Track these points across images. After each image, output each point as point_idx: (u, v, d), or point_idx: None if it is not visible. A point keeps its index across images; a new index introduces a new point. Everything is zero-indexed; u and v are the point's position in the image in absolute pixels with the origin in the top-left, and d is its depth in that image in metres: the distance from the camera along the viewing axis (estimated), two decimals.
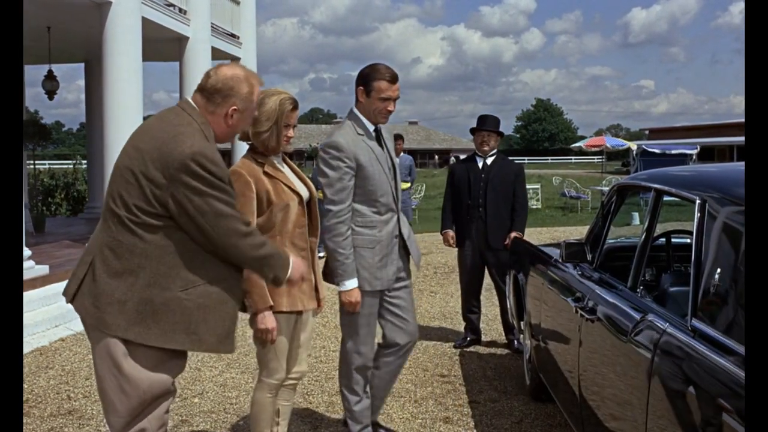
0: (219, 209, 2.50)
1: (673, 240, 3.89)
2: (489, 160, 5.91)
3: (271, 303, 3.13)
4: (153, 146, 2.50)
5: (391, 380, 4.02)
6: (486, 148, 5.89)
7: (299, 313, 3.30)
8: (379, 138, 3.74)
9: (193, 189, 2.46)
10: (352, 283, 3.58)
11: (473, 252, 5.96)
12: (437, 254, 11.68)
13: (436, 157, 27.08)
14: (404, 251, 3.86)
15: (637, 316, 2.72)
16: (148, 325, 2.48)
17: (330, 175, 3.56)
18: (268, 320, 3.13)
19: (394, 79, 3.62)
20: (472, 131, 5.95)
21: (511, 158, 6.34)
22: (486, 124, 5.88)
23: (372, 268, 3.64)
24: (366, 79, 3.63)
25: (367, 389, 3.88)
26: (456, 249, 6.18)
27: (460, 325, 6.61)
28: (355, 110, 3.72)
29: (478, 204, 5.87)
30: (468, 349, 6.03)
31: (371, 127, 3.70)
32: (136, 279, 2.49)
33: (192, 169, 2.45)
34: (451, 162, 22.02)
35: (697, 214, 2.52)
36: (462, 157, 9.57)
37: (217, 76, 2.63)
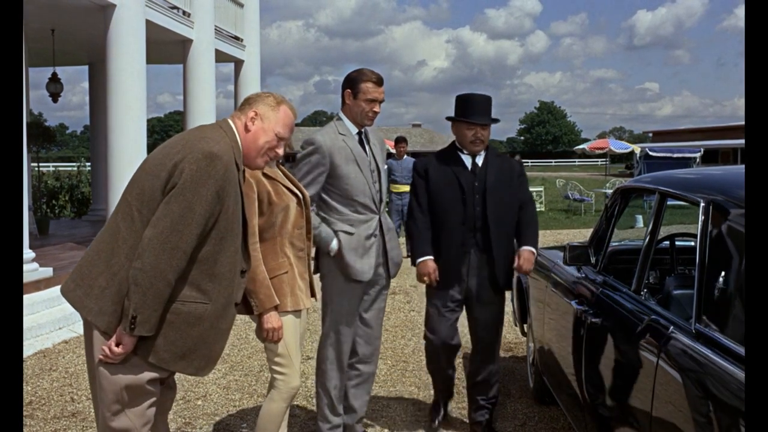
0: (174, 211, 2.41)
1: (677, 243, 3.88)
2: (479, 159, 4.08)
3: (278, 302, 3.16)
4: (181, 143, 2.54)
5: (365, 389, 4.06)
6: (479, 147, 4.04)
7: (300, 311, 3.34)
8: (362, 141, 3.82)
9: (188, 175, 2.42)
10: (333, 244, 3.67)
11: (458, 295, 4.06)
12: None
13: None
14: (384, 263, 3.90)
15: (641, 319, 2.71)
16: (118, 317, 2.46)
17: (301, 168, 3.68)
18: (273, 319, 3.17)
19: (380, 81, 3.73)
20: (454, 120, 4.07)
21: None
22: (478, 113, 3.99)
23: (348, 255, 3.69)
24: (353, 81, 3.74)
25: (342, 390, 3.91)
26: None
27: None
28: (341, 113, 3.82)
29: (475, 227, 3.99)
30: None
31: (354, 130, 3.79)
32: (120, 269, 2.47)
33: (201, 161, 2.45)
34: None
35: (701, 217, 2.52)
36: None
37: (253, 94, 2.83)
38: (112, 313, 2.46)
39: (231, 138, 2.64)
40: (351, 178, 3.69)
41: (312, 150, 3.67)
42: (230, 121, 2.72)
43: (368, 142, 3.85)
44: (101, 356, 2.49)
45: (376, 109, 3.74)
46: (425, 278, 3.97)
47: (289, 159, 3.77)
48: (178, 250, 2.40)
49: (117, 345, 2.44)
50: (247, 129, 2.69)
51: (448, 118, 4.11)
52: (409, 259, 4.15)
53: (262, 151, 2.72)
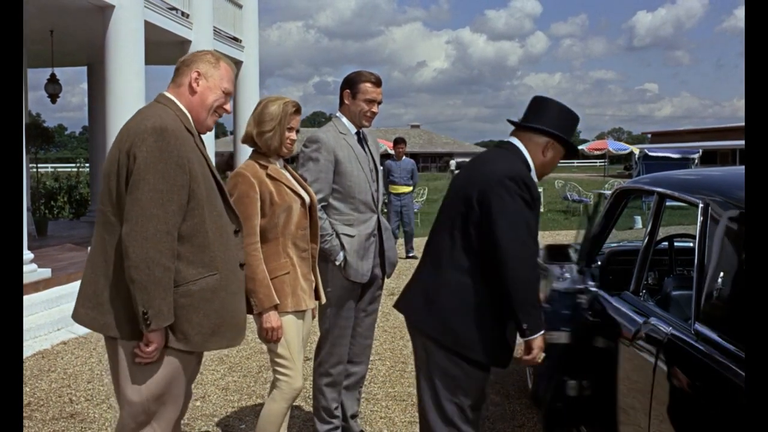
0: (141, 198, 2.37)
1: (675, 244, 3.88)
2: None
3: (277, 302, 3.16)
4: (125, 133, 2.49)
5: (356, 389, 4.06)
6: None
7: (302, 312, 3.33)
8: (361, 141, 3.84)
9: (141, 158, 2.38)
10: (339, 257, 3.68)
11: None
12: None
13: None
14: (380, 263, 3.88)
15: (639, 320, 2.71)
16: (136, 320, 2.42)
17: (309, 167, 3.67)
18: (272, 319, 3.16)
19: (378, 82, 3.77)
20: (564, 143, 2.86)
21: None
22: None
23: (350, 257, 3.70)
24: (352, 82, 3.77)
25: (340, 391, 3.91)
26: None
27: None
28: (339, 113, 3.85)
29: None
30: None
31: (353, 129, 3.81)
32: (119, 275, 2.44)
33: (148, 140, 2.40)
34: (454, 166, 20.04)
35: (699, 218, 2.52)
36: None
37: (184, 55, 2.73)
38: (132, 319, 2.43)
39: (173, 108, 2.58)
40: (353, 176, 3.72)
41: (317, 147, 3.68)
42: (167, 93, 2.65)
43: (366, 143, 3.88)
44: (138, 360, 2.47)
45: (375, 109, 3.78)
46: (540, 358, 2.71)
47: (290, 160, 3.75)
48: (160, 233, 2.36)
49: (147, 345, 2.43)
50: (193, 90, 2.62)
51: (558, 139, 2.83)
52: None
53: (212, 109, 2.66)
